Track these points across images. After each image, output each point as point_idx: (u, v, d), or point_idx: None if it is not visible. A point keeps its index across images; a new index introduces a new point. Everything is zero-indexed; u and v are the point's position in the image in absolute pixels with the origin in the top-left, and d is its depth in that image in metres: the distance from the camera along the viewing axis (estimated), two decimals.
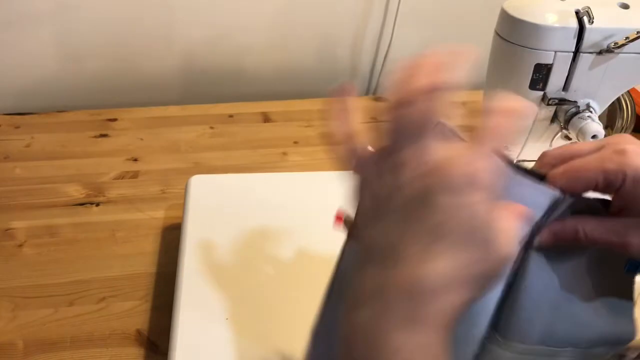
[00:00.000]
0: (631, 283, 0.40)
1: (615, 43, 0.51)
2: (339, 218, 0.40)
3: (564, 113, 0.55)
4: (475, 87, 1.13)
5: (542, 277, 0.41)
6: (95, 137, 0.85)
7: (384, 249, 0.31)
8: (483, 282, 0.30)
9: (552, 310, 0.40)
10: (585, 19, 0.50)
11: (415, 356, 0.28)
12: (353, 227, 0.35)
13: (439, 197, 0.29)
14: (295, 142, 0.86)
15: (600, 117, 0.56)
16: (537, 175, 0.36)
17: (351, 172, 0.35)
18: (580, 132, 0.53)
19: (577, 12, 0.51)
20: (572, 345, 0.41)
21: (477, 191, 0.29)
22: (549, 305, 0.40)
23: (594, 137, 0.53)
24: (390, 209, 0.31)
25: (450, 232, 0.29)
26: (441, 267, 0.29)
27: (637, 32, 0.50)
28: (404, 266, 0.29)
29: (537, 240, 0.36)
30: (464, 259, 0.29)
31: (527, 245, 0.38)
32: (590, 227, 0.35)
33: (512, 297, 0.39)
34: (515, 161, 0.37)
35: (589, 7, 0.50)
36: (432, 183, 0.29)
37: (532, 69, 0.53)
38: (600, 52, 0.52)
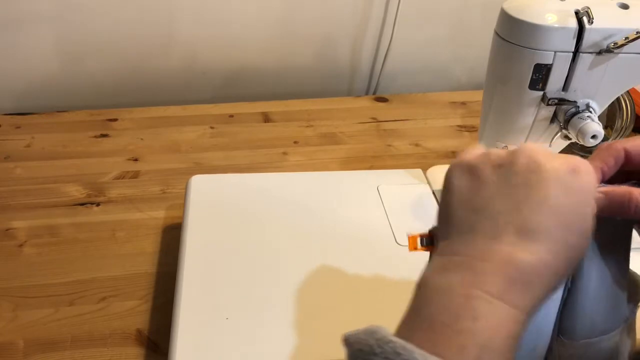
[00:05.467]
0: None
1: (614, 43, 0.51)
2: (412, 242, 0.40)
3: (564, 113, 0.55)
4: (475, 87, 1.14)
5: (594, 272, 0.41)
6: (96, 137, 0.85)
7: (486, 218, 0.33)
8: (568, 269, 0.32)
9: (609, 300, 0.41)
10: (585, 19, 0.50)
11: (490, 328, 0.29)
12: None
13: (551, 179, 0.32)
14: (295, 142, 0.86)
15: (600, 117, 0.56)
16: None
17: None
18: (580, 132, 0.53)
19: (576, 13, 0.51)
20: (623, 322, 0.42)
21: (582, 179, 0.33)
22: (605, 297, 0.41)
23: (593, 137, 0.53)
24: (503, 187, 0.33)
25: (555, 211, 0.32)
26: (537, 253, 0.31)
27: (637, 32, 0.50)
28: (503, 243, 0.31)
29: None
30: (561, 245, 0.31)
31: None
32: None
33: (572, 299, 0.40)
34: None
35: (588, 7, 0.50)
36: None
37: (532, 69, 0.53)
38: (599, 52, 0.52)
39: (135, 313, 0.59)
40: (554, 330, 0.41)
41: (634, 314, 0.44)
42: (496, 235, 0.32)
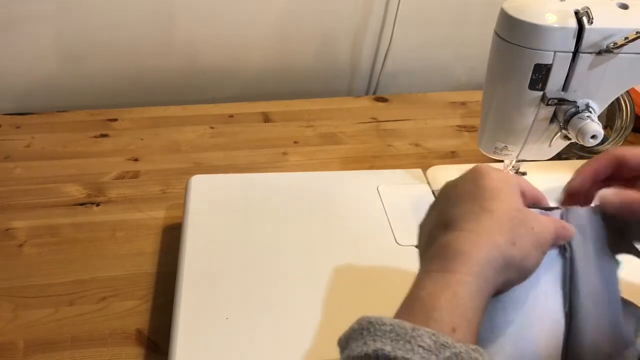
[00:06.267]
0: None
1: (614, 43, 0.51)
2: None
3: (564, 113, 0.55)
4: (475, 87, 1.14)
5: (590, 294, 0.42)
6: (96, 137, 0.85)
7: (442, 222, 0.41)
8: (504, 228, 0.38)
9: (611, 326, 0.42)
10: (585, 19, 0.50)
11: (434, 293, 0.36)
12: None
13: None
14: (295, 142, 0.86)
15: (599, 117, 0.56)
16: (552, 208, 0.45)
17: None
18: (580, 132, 0.53)
19: (576, 13, 0.51)
20: (627, 348, 0.43)
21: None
22: (607, 321, 0.42)
23: (593, 137, 0.53)
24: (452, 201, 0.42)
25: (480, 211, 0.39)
26: (456, 231, 0.39)
27: (637, 32, 0.50)
28: (438, 238, 0.39)
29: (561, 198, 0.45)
30: (475, 217, 0.39)
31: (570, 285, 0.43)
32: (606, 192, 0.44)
33: (574, 323, 0.42)
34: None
35: (588, 8, 0.50)
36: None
37: (532, 69, 0.53)
38: (599, 53, 0.52)
39: (135, 313, 0.59)
40: (562, 359, 0.42)
41: (637, 338, 0.44)
42: (435, 237, 0.40)
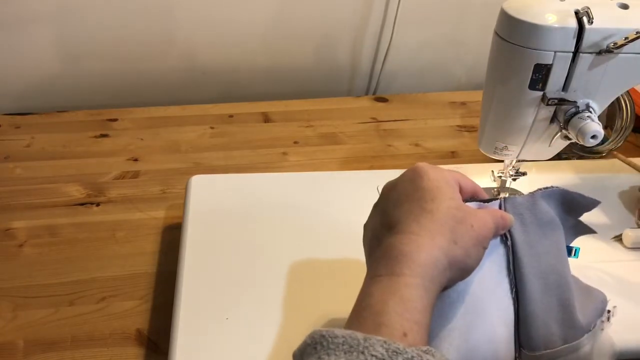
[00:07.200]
0: None
1: (614, 43, 0.51)
2: None
3: (564, 113, 0.55)
4: (475, 87, 1.14)
5: (535, 278, 0.42)
6: (96, 137, 0.85)
7: (386, 223, 0.42)
8: (445, 228, 0.40)
9: (561, 306, 0.42)
10: (585, 19, 0.50)
11: (382, 299, 0.36)
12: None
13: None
14: (295, 142, 0.86)
15: (599, 117, 0.55)
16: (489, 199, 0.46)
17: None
18: (580, 132, 0.53)
19: (576, 13, 0.51)
20: (586, 332, 0.43)
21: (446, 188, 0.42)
22: (556, 303, 0.42)
23: (593, 137, 0.53)
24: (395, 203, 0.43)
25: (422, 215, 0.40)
26: (398, 233, 0.40)
27: (637, 32, 0.50)
28: (382, 240, 0.40)
29: None
30: (416, 219, 0.40)
31: (513, 264, 0.42)
32: None
33: (522, 309, 0.41)
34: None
35: (588, 8, 0.50)
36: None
37: (532, 69, 0.53)
38: (599, 53, 0.52)
39: (135, 313, 0.59)
40: (515, 344, 0.42)
41: (602, 323, 0.45)
42: (380, 239, 0.41)
